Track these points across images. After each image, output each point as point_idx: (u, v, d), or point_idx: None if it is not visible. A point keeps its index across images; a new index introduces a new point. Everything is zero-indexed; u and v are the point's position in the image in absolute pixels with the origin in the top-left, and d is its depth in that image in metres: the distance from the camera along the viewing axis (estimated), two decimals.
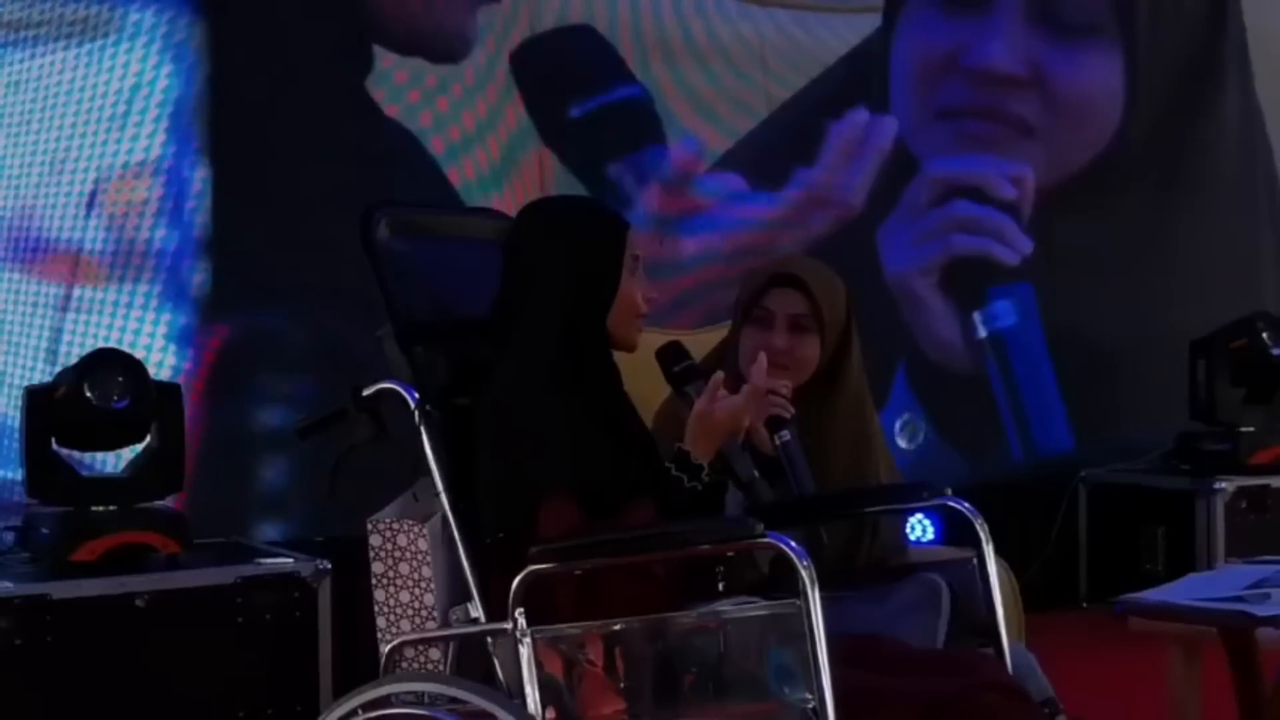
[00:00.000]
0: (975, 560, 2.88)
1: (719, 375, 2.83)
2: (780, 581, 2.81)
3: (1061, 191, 6.48)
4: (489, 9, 5.44)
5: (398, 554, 2.76)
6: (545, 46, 5.52)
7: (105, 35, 4.87)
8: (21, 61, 4.79)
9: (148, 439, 4.32)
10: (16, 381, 4.68)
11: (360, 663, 4.59)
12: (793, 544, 2.45)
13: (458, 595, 2.73)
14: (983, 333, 6.29)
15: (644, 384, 2.95)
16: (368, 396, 2.80)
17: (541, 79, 5.49)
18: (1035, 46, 6.39)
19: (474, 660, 2.75)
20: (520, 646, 2.56)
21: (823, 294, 3.18)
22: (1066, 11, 6.44)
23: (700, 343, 3.28)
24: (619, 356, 2.90)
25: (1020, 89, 6.37)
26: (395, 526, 2.76)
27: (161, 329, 4.90)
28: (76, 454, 4.38)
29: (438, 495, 2.74)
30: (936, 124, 6.21)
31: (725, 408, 2.78)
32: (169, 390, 4.37)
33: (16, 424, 4.42)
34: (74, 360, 4.39)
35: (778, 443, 3.04)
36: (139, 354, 4.45)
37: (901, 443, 5.97)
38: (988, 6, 6.29)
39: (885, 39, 6.13)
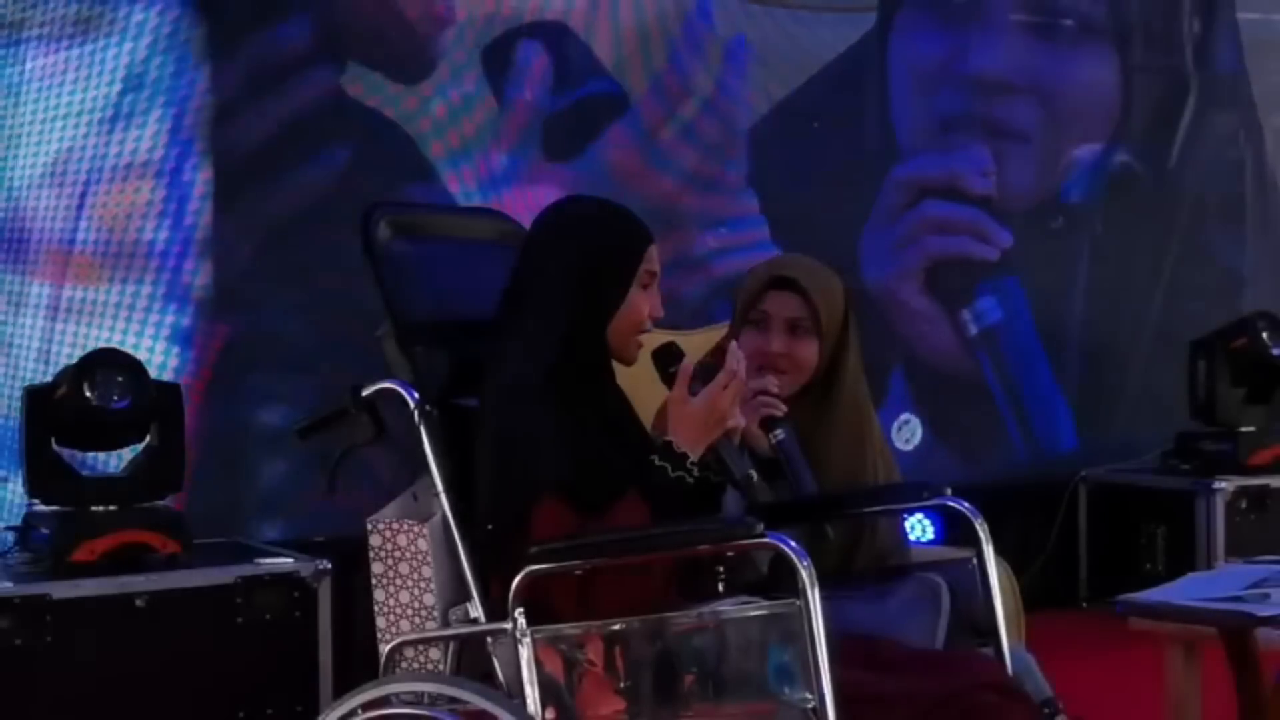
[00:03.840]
0: (975, 560, 2.88)
1: (688, 363, 2.82)
2: (780, 581, 2.81)
3: (1058, 193, 6.49)
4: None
5: (398, 554, 2.76)
6: (519, 42, 5.52)
7: (106, 35, 4.87)
8: (22, 62, 4.79)
9: (148, 439, 4.32)
10: (16, 383, 4.68)
11: (360, 663, 4.60)
12: (792, 544, 2.45)
13: (457, 595, 2.73)
14: (973, 330, 6.30)
15: (644, 385, 2.94)
16: (368, 396, 2.80)
17: (516, 75, 5.49)
18: (1029, 48, 6.40)
19: (474, 660, 2.75)
20: (520, 646, 2.56)
21: (820, 296, 3.18)
22: (1060, 13, 6.45)
23: (696, 344, 3.28)
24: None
25: (1012, 90, 6.39)
26: (395, 526, 2.77)
27: (162, 329, 4.90)
28: (76, 454, 4.38)
29: (438, 495, 2.74)
30: (922, 125, 6.22)
31: (702, 394, 2.76)
32: (169, 390, 4.37)
33: (16, 424, 4.43)
34: (73, 361, 4.39)
35: (773, 441, 3.04)
36: (140, 355, 4.45)
37: (899, 444, 5.97)
38: (981, 8, 6.31)
39: (881, 40, 6.14)
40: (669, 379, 2.84)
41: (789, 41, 5.93)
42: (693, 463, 2.72)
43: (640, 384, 2.94)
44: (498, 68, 5.44)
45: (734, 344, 2.89)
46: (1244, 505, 5.83)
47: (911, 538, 3.52)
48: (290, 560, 4.38)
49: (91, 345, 4.62)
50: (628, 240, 2.84)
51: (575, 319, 2.79)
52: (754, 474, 2.85)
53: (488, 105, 5.42)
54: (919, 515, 4.94)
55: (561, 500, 2.66)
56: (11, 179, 4.77)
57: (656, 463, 2.72)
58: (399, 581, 2.77)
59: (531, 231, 2.90)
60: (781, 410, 3.06)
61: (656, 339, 2.92)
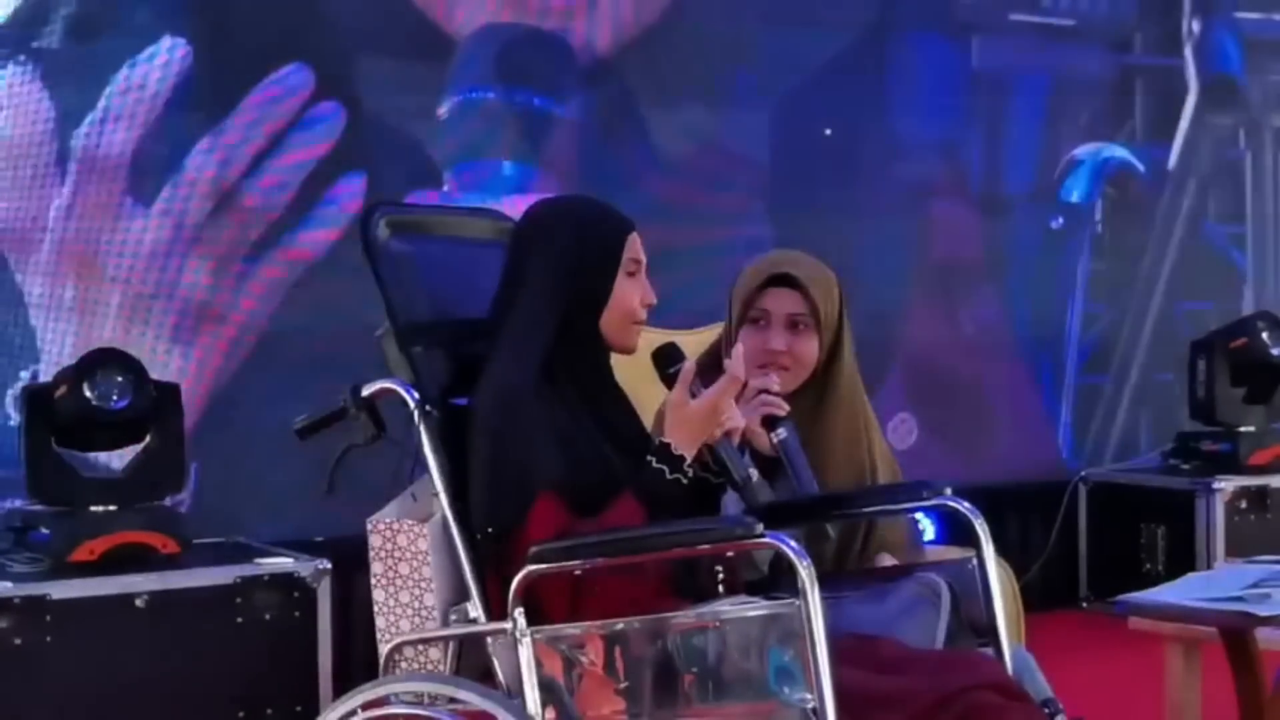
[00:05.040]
0: (975, 560, 2.88)
1: (691, 364, 2.82)
2: (780, 581, 2.82)
3: (1058, 192, 6.50)
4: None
5: (398, 554, 2.76)
6: (524, 47, 5.54)
7: (108, 34, 4.87)
8: (24, 59, 4.79)
9: (147, 439, 4.32)
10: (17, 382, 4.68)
11: (360, 663, 4.60)
12: (792, 544, 2.45)
13: (457, 595, 2.73)
14: (971, 330, 6.29)
15: (644, 385, 2.94)
16: (367, 396, 2.80)
17: (520, 78, 5.51)
18: (1028, 47, 6.41)
19: (474, 660, 2.75)
20: (519, 646, 2.56)
21: (819, 291, 3.18)
22: (1060, 13, 6.46)
23: (695, 343, 3.27)
24: (620, 359, 2.89)
25: (1011, 89, 6.40)
26: (395, 526, 2.76)
27: (163, 329, 4.90)
28: (77, 454, 4.38)
29: (437, 495, 2.74)
30: (922, 124, 6.22)
31: (703, 397, 2.76)
32: (169, 390, 4.37)
33: (15, 424, 4.43)
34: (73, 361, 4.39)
35: (775, 440, 3.04)
36: (139, 354, 4.45)
37: (895, 444, 5.97)
38: (981, 7, 6.32)
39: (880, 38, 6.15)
40: (668, 380, 2.84)
41: (790, 41, 5.93)
42: (689, 464, 2.73)
43: (640, 384, 2.94)
44: (505, 74, 5.45)
45: (738, 349, 2.88)
46: (1244, 505, 5.84)
47: None
48: (290, 560, 4.38)
49: (91, 344, 4.62)
50: (608, 232, 2.85)
51: (566, 315, 2.79)
52: (753, 474, 2.86)
53: (495, 111, 5.43)
54: (919, 515, 4.93)
55: (556, 499, 2.66)
56: (13, 177, 4.78)
57: (654, 465, 2.72)
58: (399, 581, 2.77)
59: (514, 234, 2.91)
60: (784, 409, 3.07)
61: (656, 339, 2.92)
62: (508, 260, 2.87)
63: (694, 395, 2.78)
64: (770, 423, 3.05)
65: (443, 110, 5.37)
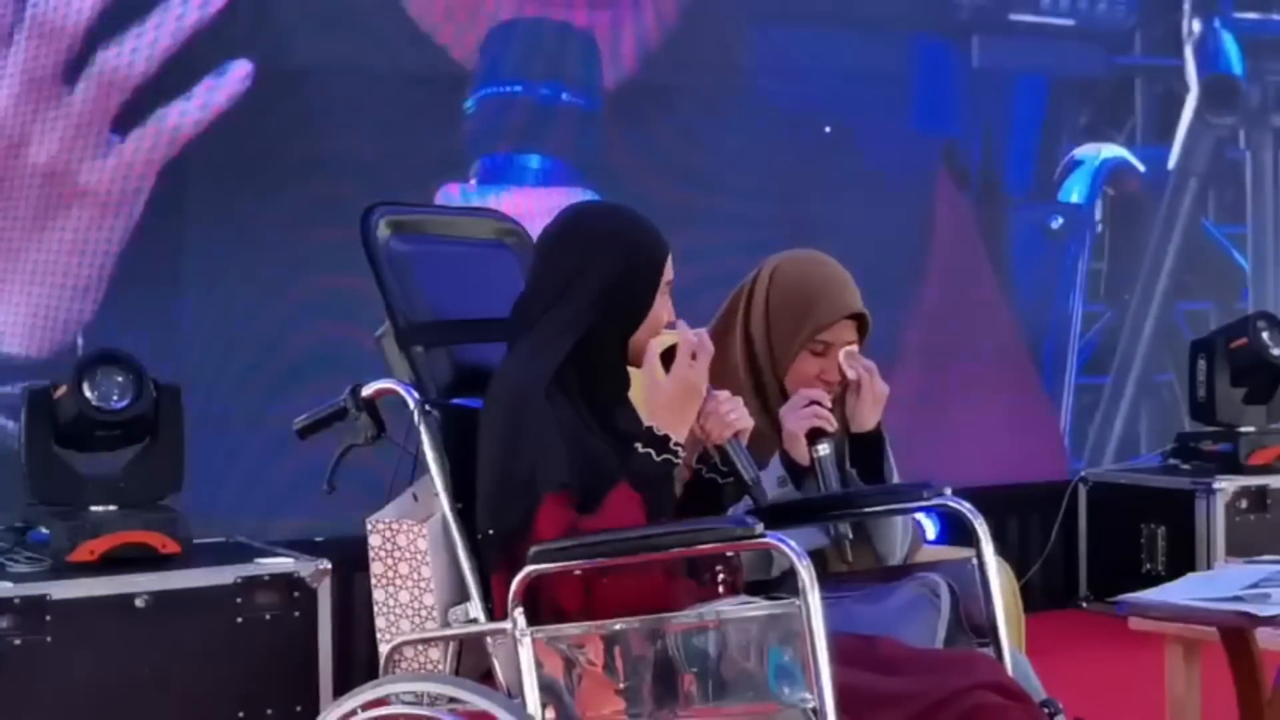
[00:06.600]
0: (975, 560, 2.88)
1: (654, 343, 2.79)
2: (783, 582, 2.82)
3: (1058, 192, 6.50)
4: None
5: (397, 554, 2.76)
6: (548, 46, 5.55)
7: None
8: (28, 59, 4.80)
9: (147, 439, 4.32)
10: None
11: (360, 663, 4.60)
12: (792, 544, 2.45)
13: (457, 595, 2.73)
14: (973, 329, 6.29)
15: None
16: (367, 396, 2.80)
17: (547, 72, 5.52)
18: (1029, 47, 6.42)
19: (474, 660, 2.75)
20: (520, 647, 2.56)
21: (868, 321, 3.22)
22: (1060, 13, 6.48)
23: None
24: None
25: (1012, 89, 6.41)
26: (395, 526, 2.76)
27: (162, 328, 4.90)
28: (76, 454, 4.37)
29: (437, 495, 2.74)
30: (923, 121, 6.22)
31: (671, 374, 2.74)
32: (169, 390, 4.36)
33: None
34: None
35: (816, 455, 3.04)
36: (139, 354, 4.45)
37: None
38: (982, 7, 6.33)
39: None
40: None
41: (798, 45, 5.94)
42: (676, 444, 2.72)
43: (638, 387, 2.94)
44: (526, 71, 5.46)
45: (681, 322, 2.85)
46: (1244, 505, 5.83)
47: None
48: (290, 560, 4.37)
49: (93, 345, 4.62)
50: (652, 254, 2.83)
51: (598, 327, 2.77)
52: (758, 475, 2.86)
53: (521, 105, 5.44)
54: (920, 515, 4.94)
55: (564, 498, 2.66)
56: (15, 180, 4.78)
57: (640, 450, 2.72)
58: (399, 581, 2.77)
59: (550, 240, 2.86)
60: (834, 425, 3.07)
61: (664, 340, 2.92)
62: (543, 264, 2.83)
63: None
64: (815, 436, 3.06)
65: (468, 103, 5.37)
